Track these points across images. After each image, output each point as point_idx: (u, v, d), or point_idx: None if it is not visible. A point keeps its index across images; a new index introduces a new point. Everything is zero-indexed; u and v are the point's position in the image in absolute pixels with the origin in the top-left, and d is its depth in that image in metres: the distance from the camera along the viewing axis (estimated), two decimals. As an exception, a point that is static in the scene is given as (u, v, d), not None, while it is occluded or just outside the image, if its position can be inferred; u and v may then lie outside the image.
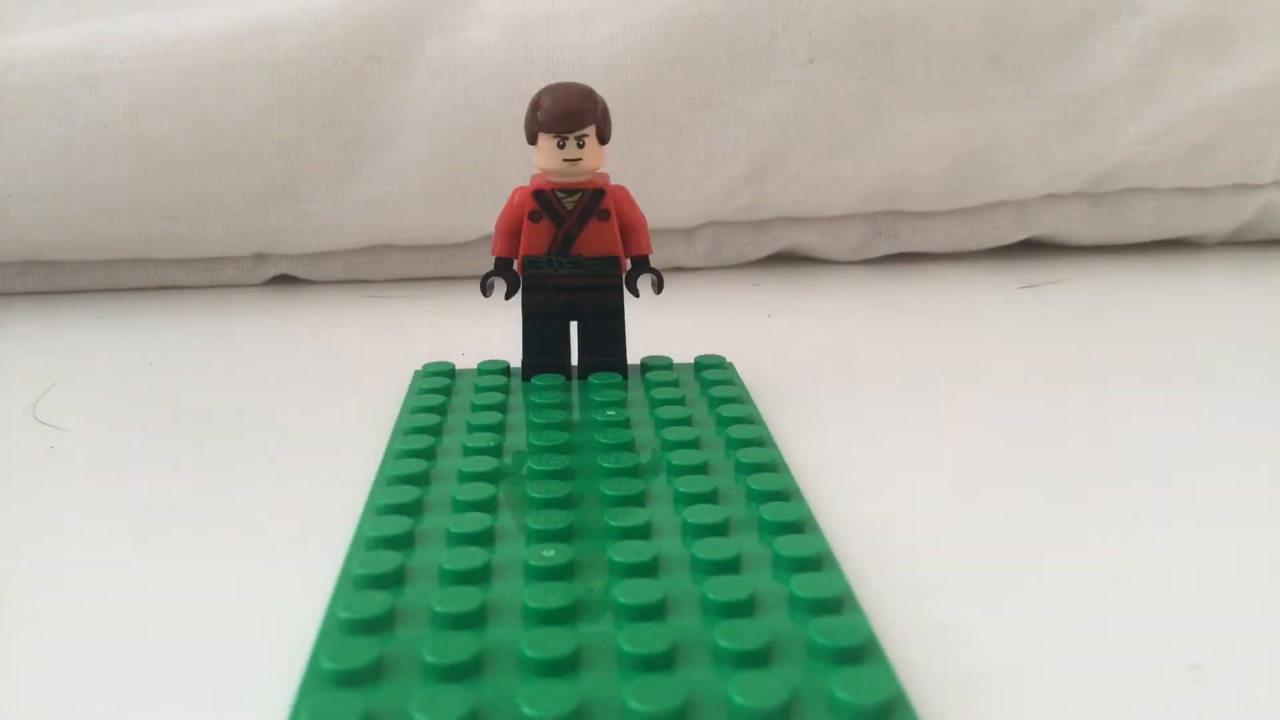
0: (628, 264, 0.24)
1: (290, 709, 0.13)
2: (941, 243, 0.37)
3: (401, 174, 0.33)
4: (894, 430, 0.23)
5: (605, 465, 0.19)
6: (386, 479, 0.19)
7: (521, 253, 0.24)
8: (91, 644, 0.16)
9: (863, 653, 0.14)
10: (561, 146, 0.23)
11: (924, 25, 0.34)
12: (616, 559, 0.16)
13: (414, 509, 0.18)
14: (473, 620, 0.15)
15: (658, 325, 0.26)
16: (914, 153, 0.35)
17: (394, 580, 0.16)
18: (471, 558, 0.16)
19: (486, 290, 0.24)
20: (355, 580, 0.16)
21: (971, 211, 0.37)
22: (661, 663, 0.14)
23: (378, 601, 0.15)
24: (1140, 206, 0.37)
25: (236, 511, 0.20)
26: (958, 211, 0.37)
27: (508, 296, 0.25)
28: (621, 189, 0.24)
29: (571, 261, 0.24)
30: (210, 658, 0.15)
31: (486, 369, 0.25)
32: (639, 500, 0.18)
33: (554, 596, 0.15)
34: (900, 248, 0.37)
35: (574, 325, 0.25)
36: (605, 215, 0.24)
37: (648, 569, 0.16)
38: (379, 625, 0.15)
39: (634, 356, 0.25)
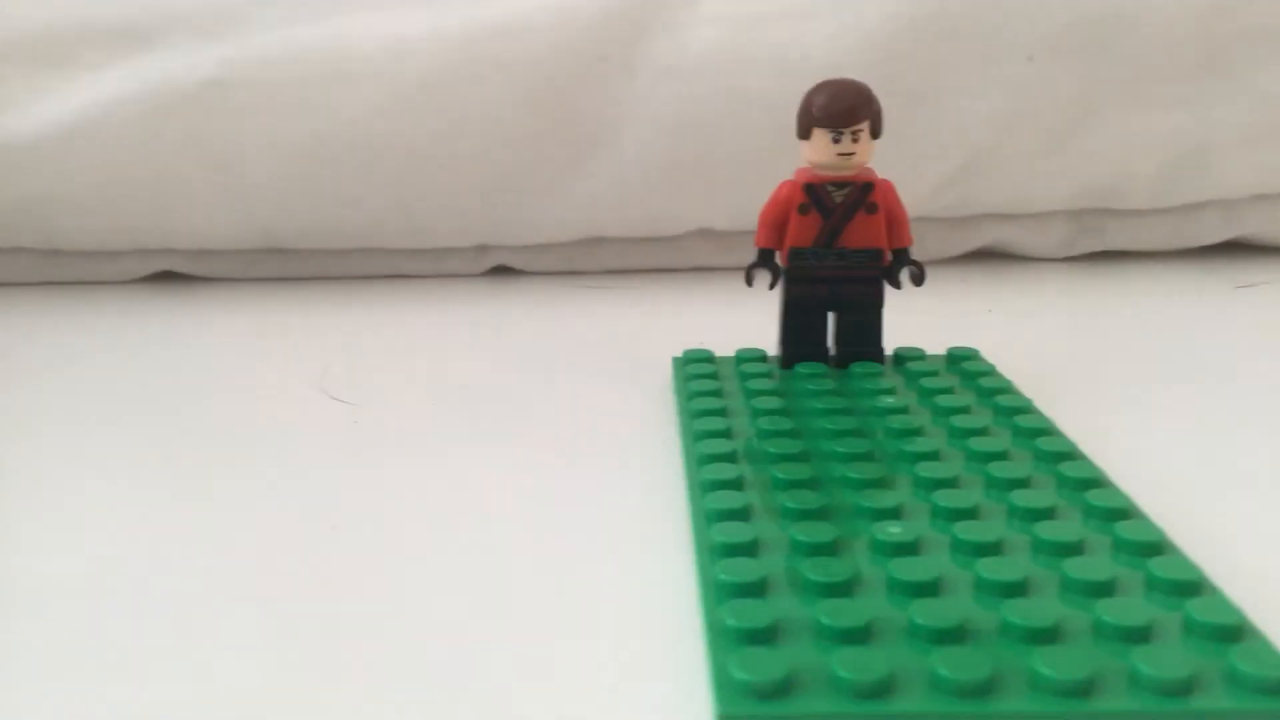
0: (888, 257, 0.25)
1: (708, 664, 0.14)
2: (1146, 241, 0.37)
3: (622, 169, 0.34)
4: (1170, 421, 0.24)
5: (908, 449, 0.20)
6: (699, 457, 0.20)
7: (788, 244, 0.25)
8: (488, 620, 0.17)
9: (1241, 632, 0.14)
10: (837, 141, 0.24)
11: (1141, 24, 0.34)
12: (962, 537, 0.17)
13: (737, 484, 0.19)
14: (846, 589, 0.16)
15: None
16: (1127, 151, 0.35)
17: (749, 550, 0.17)
18: (822, 532, 0.17)
19: (750, 280, 0.25)
20: (717, 548, 0.17)
21: (1178, 210, 0.37)
22: (1048, 637, 0.14)
23: (751, 568, 0.16)
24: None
25: (563, 487, 0.21)
26: (1164, 210, 0.37)
27: (771, 287, 0.25)
28: (888, 183, 0.25)
29: (837, 253, 0.25)
30: (604, 619, 0.16)
31: (746, 356, 0.26)
32: (953, 483, 0.19)
33: (917, 570, 0.16)
34: (1105, 245, 0.37)
35: (830, 316, 0.26)
36: (873, 209, 0.24)
37: (993, 549, 0.17)
38: (757, 590, 0.16)
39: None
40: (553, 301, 0.35)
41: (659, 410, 0.25)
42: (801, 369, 0.25)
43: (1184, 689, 0.13)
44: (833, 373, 0.25)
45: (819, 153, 0.24)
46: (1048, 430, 0.21)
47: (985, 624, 0.15)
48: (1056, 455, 0.20)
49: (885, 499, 0.18)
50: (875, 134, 0.24)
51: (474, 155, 0.33)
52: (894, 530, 0.17)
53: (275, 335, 0.31)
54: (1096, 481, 0.19)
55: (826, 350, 0.25)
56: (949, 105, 0.34)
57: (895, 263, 0.25)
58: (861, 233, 0.25)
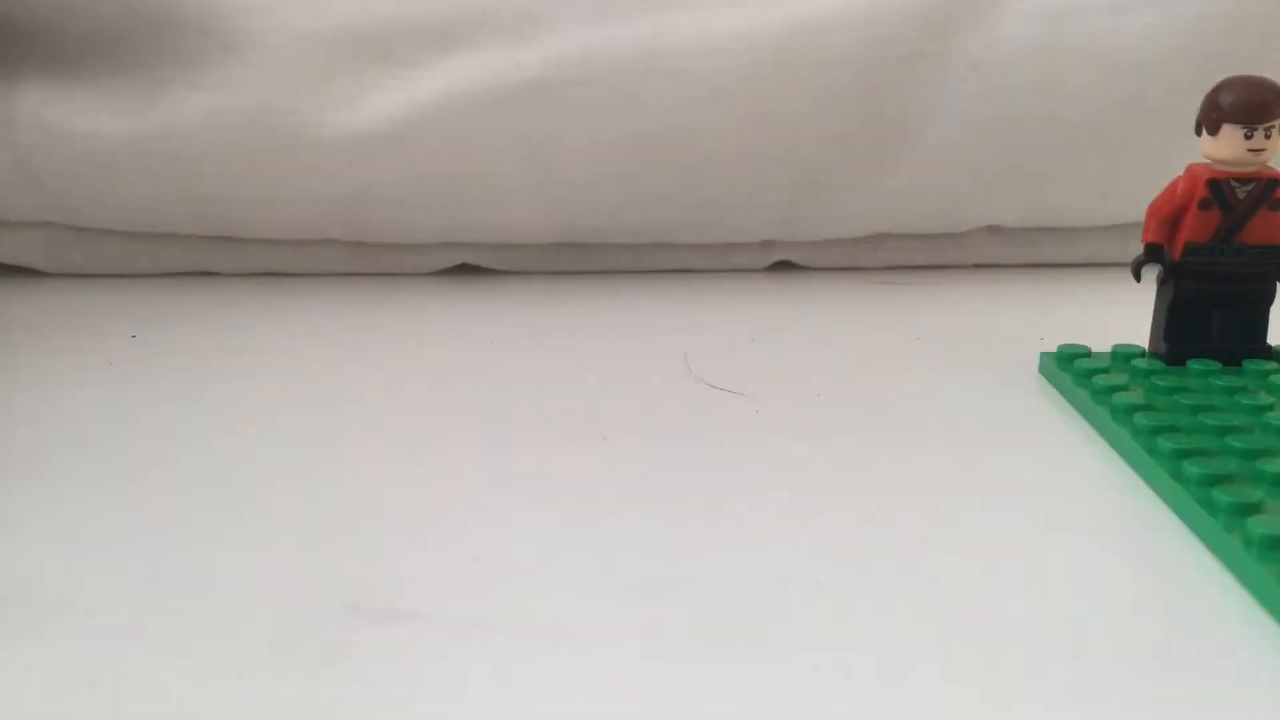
0: (1285, 254, 0.25)
1: None
2: None
3: (924, 165, 0.34)
4: None
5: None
6: (1201, 479, 0.20)
7: (1183, 239, 0.25)
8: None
9: None
10: (1249, 137, 0.24)
11: None
12: None
13: (1231, 478, 0.19)
14: None
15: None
16: None
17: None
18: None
19: (1139, 275, 0.25)
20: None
21: None
22: None
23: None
24: None
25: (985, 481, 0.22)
26: None
27: (1160, 282, 0.25)
28: (1291, 179, 0.25)
29: (1235, 249, 0.25)
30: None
31: (1126, 352, 0.26)
32: None
33: None
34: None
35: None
36: (1276, 205, 0.24)
37: None
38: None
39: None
40: (846, 298, 0.35)
41: (1041, 403, 0.25)
42: (1194, 365, 0.25)
43: None
44: (1228, 369, 0.25)
45: (1228, 149, 0.24)
46: None
47: None
48: None
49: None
50: (1287, 130, 0.24)
51: (781, 151, 0.34)
52: None
53: (597, 326, 0.32)
54: None
55: (1210, 346, 0.25)
56: (1259, 102, 0.34)
57: (1292, 259, 0.25)
58: (1264, 229, 0.24)
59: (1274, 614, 0.16)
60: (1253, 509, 0.18)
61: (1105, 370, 0.25)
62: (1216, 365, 0.25)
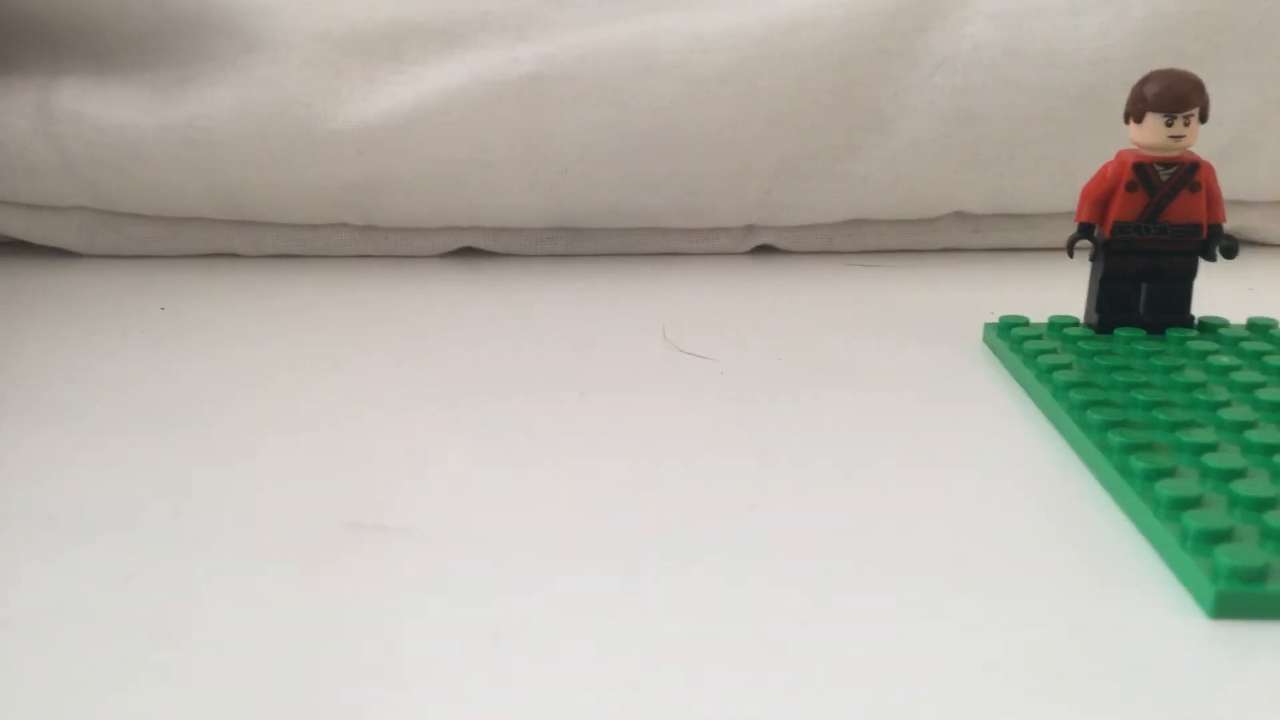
0: (1205, 232, 0.27)
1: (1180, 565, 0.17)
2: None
3: (895, 155, 0.37)
4: None
5: (1264, 399, 0.23)
6: (1095, 423, 0.22)
7: (1112, 218, 0.27)
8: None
9: None
10: (1170, 124, 0.26)
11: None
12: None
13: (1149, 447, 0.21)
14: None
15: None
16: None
17: (1196, 503, 0.19)
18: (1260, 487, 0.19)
19: (1072, 251, 0.28)
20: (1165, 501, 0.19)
21: None
22: None
23: (1210, 518, 0.19)
24: None
25: (927, 436, 0.24)
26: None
27: (1092, 258, 0.28)
28: (1209, 164, 0.27)
29: (1159, 228, 0.27)
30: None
31: (1061, 322, 0.28)
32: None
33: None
34: (1345, 232, 0.39)
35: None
36: (1196, 187, 0.27)
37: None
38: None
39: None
40: (821, 278, 0.37)
41: (984, 368, 0.28)
42: (1121, 333, 0.27)
43: None
44: (1152, 337, 0.27)
45: (1151, 135, 0.26)
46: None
47: None
48: None
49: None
50: (1203, 119, 0.26)
51: (760, 141, 0.36)
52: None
53: (586, 302, 0.34)
54: None
55: (1139, 316, 0.28)
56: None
57: (1211, 237, 0.27)
58: (1184, 209, 0.27)
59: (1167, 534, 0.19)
60: (1143, 448, 0.21)
61: (1039, 337, 0.27)
62: (1141, 333, 0.27)
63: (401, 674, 0.16)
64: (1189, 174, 0.27)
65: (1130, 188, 0.27)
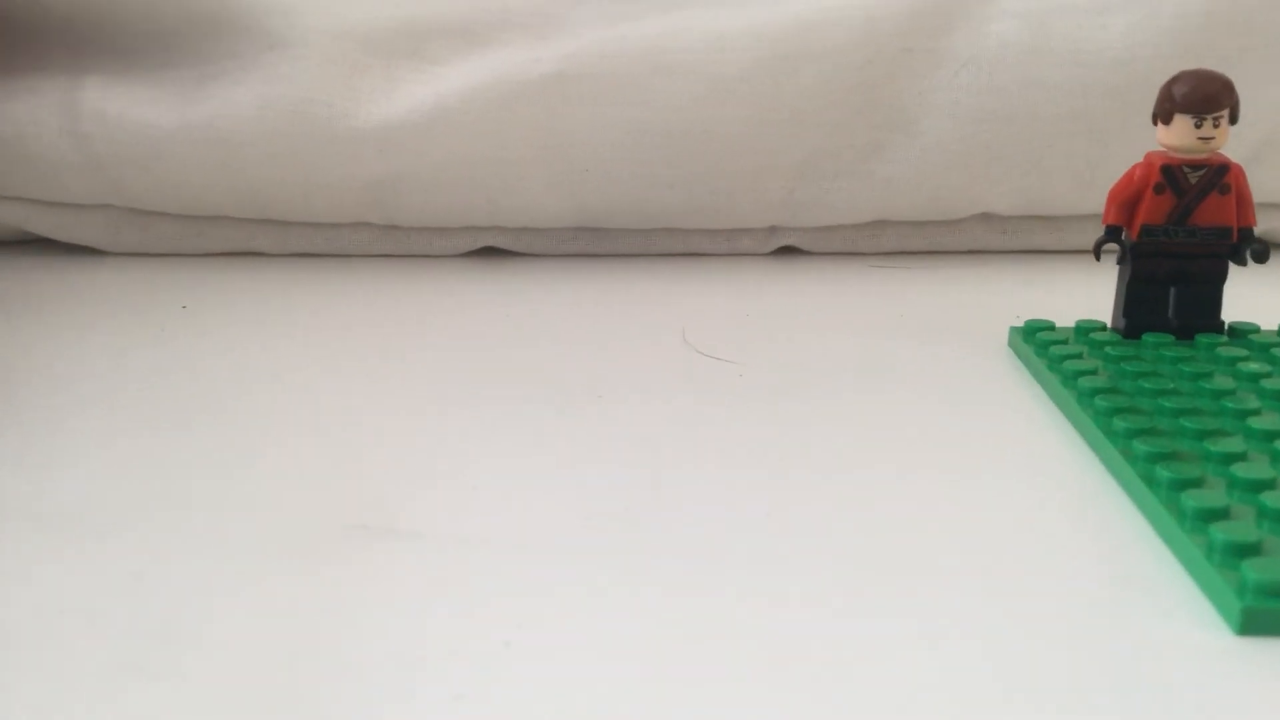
0: (1235, 235, 0.27)
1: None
2: None
3: (919, 155, 0.36)
4: None
5: (1299, 407, 0.22)
6: (1127, 432, 0.22)
7: (1140, 221, 0.27)
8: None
9: None
10: (1199, 126, 0.26)
11: None
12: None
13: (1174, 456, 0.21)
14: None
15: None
16: None
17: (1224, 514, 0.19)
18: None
19: (1099, 254, 0.27)
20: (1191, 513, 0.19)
21: None
22: None
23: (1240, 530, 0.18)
24: None
25: (947, 439, 0.24)
26: None
27: (1119, 261, 0.27)
28: (1239, 166, 0.27)
29: (1188, 231, 0.27)
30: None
31: (1087, 327, 0.28)
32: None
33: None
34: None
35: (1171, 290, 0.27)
36: (1226, 190, 0.26)
37: None
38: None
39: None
40: (844, 280, 0.37)
41: (1004, 371, 0.27)
42: (1149, 338, 0.27)
43: None
44: (1180, 343, 0.27)
45: (1179, 137, 0.26)
46: None
47: None
48: None
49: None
50: (1233, 120, 0.26)
51: (782, 141, 0.36)
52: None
53: (606, 303, 0.34)
54: None
55: (1168, 321, 0.27)
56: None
57: (1242, 241, 0.27)
58: (1212, 212, 0.26)
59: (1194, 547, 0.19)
60: (1170, 457, 0.20)
61: (1064, 342, 0.27)
62: (1169, 338, 0.27)
63: (411, 678, 0.16)
64: (1218, 176, 0.26)
65: (1158, 190, 0.26)
